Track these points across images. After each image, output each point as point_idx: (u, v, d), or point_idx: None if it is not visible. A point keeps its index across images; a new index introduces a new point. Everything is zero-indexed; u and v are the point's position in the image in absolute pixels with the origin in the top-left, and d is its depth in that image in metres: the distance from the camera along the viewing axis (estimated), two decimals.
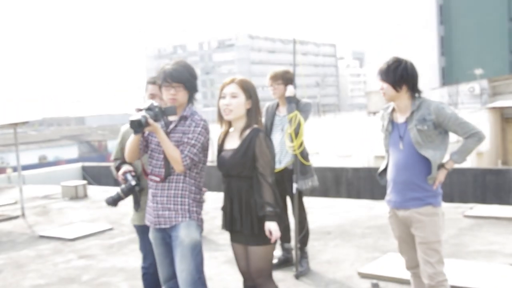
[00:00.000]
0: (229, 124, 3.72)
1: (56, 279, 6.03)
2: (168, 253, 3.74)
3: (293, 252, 5.72)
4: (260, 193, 3.53)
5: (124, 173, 4.04)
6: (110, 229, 8.39)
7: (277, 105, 5.64)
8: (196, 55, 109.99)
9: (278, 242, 5.96)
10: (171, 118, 3.67)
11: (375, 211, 8.62)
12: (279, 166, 5.49)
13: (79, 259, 6.77)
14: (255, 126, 3.64)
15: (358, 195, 13.66)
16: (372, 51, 55.47)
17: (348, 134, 25.08)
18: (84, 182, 12.87)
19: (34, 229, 8.74)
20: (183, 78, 3.59)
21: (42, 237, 8.12)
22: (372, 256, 6.07)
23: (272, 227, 3.50)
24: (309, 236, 5.79)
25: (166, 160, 3.57)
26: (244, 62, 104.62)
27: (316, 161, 5.55)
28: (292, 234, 5.62)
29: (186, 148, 3.52)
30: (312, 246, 6.55)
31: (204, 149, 3.65)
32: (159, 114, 3.49)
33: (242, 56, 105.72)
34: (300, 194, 5.57)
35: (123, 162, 4.20)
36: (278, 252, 6.00)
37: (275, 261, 5.85)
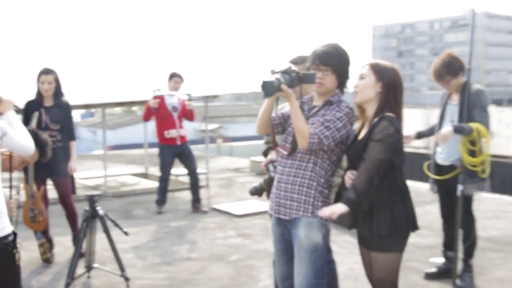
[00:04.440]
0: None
1: (207, 254, 6.01)
2: (286, 251, 3.41)
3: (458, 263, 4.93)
4: (356, 175, 3.05)
5: (267, 163, 3.81)
6: None
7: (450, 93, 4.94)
8: (425, 35, 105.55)
9: (441, 249, 5.24)
10: (315, 103, 3.32)
11: None
12: (445, 163, 4.82)
13: (236, 237, 6.70)
14: (387, 114, 3.09)
15: None
16: None
17: None
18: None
19: (211, 200, 8.92)
20: (333, 61, 3.20)
21: (214, 210, 8.25)
22: None
23: (337, 208, 2.98)
24: (476, 246, 4.96)
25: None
26: (478, 43, 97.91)
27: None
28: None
29: (319, 127, 3.09)
30: (487, 259, 5.63)
31: (342, 140, 3.19)
32: (295, 79, 3.08)
33: (477, 37, 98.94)
34: (467, 198, 4.77)
35: (271, 148, 3.97)
36: (439, 260, 5.27)
37: (433, 270, 5.17)
